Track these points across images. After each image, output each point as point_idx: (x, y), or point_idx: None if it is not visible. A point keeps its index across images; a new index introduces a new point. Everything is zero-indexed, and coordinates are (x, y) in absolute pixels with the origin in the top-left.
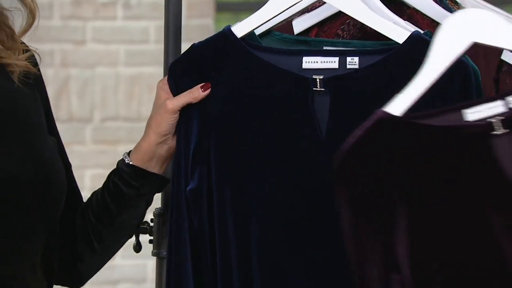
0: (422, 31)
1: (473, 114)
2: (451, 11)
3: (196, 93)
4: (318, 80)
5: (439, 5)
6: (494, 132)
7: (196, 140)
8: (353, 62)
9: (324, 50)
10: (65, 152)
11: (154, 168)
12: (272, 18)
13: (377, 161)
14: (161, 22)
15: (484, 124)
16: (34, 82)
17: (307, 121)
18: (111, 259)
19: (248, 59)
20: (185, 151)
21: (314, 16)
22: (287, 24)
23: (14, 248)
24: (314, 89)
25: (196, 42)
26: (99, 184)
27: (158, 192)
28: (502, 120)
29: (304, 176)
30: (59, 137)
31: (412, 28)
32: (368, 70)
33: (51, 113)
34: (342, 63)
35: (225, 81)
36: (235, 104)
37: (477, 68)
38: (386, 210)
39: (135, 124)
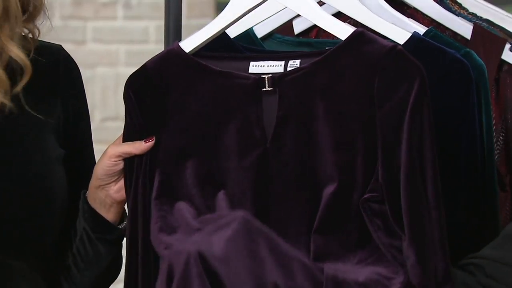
0: (424, 28)
1: (255, 67)
2: (451, 11)
3: (138, 146)
4: (266, 79)
5: (439, 5)
6: (264, 89)
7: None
8: (294, 64)
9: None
10: (89, 165)
11: (100, 210)
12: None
13: (159, 85)
14: (162, 22)
15: (257, 79)
16: (59, 88)
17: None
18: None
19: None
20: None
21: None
22: (289, 24)
23: (3, 263)
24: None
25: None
26: None
27: (108, 236)
28: (269, 78)
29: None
30: (86, 147)
31: (416, 25)
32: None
33: (82, 124)
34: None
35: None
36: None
37: (481, 63)
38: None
39: None
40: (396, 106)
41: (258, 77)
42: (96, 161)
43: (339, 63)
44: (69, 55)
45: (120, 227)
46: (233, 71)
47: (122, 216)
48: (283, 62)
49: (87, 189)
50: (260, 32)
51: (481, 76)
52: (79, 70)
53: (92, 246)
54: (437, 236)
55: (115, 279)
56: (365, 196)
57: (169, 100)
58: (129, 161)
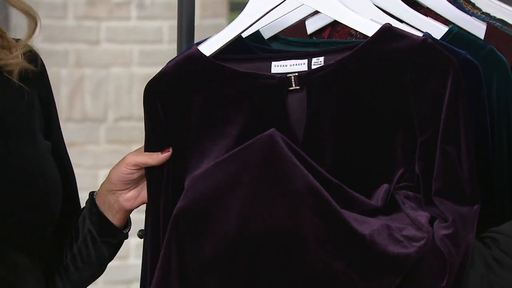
0: (446, 27)
1: (277, 67)
2: (465, 10)
3: (156, 157)
4: (292, 77)
5: (453, 4)
6: (290, 88)
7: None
8: (318, 62)
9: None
10: (66, 158)
11: (107, 213)
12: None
13: (183, 92)
14: (175, 22)
15: (282, 78)
16: (34, 81)
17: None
18: (124, 259)
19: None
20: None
21: (327, 16)
22: (301, 24)
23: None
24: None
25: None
26: None
27: (113, 240)
28: (295, 77)
29: None
30: (61, 140)
31: (437, 23)
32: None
33: (54, 113)
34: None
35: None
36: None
37: (505, 60)
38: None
39: None
40: (432, 98)
41: (284, 76)
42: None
43: (369, 59)
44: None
45: (125, 232)
46: (256, 71)
47: (126, 222)
48: (306, 60)
49: (66, 184)
50: (266, 34)
51: (505, 72)
52: (42, 60)
53: (95, 249)
54: (474, 223)
55: (100, 275)
56: (400, 184)
57: (194, 106)
58: (149, 170)
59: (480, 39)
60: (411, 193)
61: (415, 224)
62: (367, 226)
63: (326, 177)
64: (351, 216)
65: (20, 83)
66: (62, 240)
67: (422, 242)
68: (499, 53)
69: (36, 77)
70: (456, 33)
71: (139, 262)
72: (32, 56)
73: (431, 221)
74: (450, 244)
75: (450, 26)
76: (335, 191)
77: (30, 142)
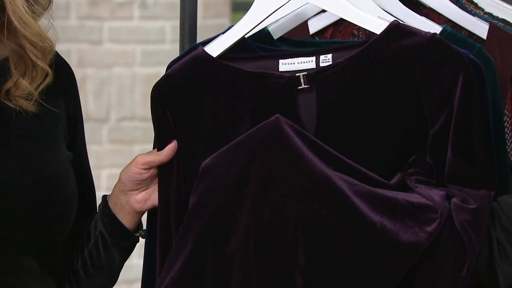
0: (440, 27)
1: (285, 65)
2: (467, 10)
3: (161, 151)
4: (301, 76)
5: (455, 4)
6: (299, 87)
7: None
8: (326, 59)
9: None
10: (89, 170)
11: (118, 214)
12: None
13: (188, 92)
14: (178, 22)
15: (291, 77)
16: (62, 93)
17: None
18: (128, 259)
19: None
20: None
21: (330, 15)
22: (303, 24)
23: (11, 259)
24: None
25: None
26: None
27: (124, 243)
28: (304, 76)
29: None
30: (84, 153)
31: (431, 22)
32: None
33: (80, 126)
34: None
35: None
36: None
37: (491, 59)
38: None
39: (151, 124)
40: (444, 92)
41: (293, 75)
42: (90, 162)
43: (378, 56)
44: (64, 59)
45: (137, 235)
46: (264, 70)
47: (137, 225)
48: (314, 58)
49: (84, 193)
50: (275, 34)
51: (492, 72)
52: (74, 74)
53: (106, 251)
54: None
55: (113, 286)
56: (410, 170)
57: (203, 107)
58: (161, 172)
59: (469, 38)
60: (422, 178)
61: (430, 200)
62: (379, 208)
63: (339, 158)
64: (364, 196)
65: (42, 98)
66: (74, 248)
67: (434, 226)
68: (486, 53)
69: (65, 89)
70: (449, 32)
71: (142, 262)
72: (63, 68)
73: (447, 200)
74: (471, 230)
75: (444, 26)
76: (349, 171)
77: (52, 150)
